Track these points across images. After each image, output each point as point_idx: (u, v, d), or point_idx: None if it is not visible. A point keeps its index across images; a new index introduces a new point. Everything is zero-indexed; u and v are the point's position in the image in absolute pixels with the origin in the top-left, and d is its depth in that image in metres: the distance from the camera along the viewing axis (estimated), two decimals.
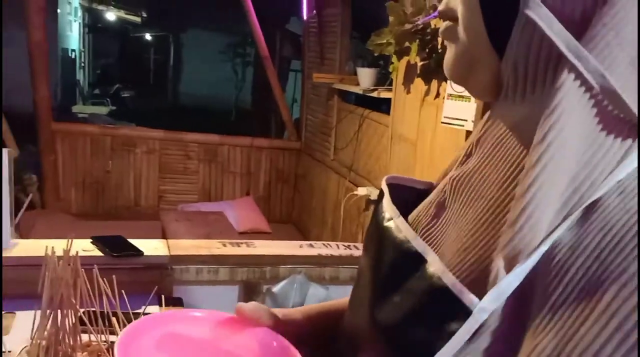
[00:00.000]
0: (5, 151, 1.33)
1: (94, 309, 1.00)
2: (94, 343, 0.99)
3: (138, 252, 1.52)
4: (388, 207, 0.56)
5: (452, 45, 0.52)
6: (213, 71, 12.63)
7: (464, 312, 0.41)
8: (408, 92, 2.79)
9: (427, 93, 2.54)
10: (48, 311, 0.92)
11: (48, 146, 4.35)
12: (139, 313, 1.14)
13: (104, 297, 1.01)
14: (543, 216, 0.40)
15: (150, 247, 1.59)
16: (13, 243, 1.41)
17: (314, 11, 4.46)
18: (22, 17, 4.09)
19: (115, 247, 1.51)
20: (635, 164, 0.40)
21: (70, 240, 1.04)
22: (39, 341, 0.93)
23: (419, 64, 2.46)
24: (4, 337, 1.18)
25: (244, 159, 5.05)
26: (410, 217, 0.59)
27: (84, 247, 1.49)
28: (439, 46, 2.24)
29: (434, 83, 2.45)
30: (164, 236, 3.75)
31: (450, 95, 2.23)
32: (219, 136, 5.04)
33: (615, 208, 0.38)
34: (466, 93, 1.84)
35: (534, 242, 0.39)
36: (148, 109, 11.59)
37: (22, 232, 3.69)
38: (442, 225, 0.53)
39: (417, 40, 2.25)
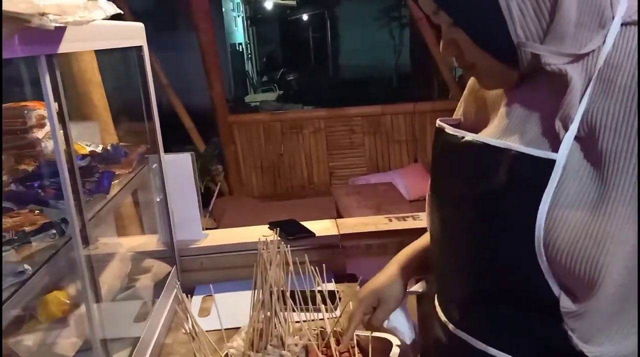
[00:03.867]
0: (189, 155, 1.48)
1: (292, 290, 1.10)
2: (305, 328, 1.07)
3: (310, 234, 1.59)
4: (455, 131, 0.79)
5: (471, 70, 0.76)
6: (370, 39, 12.64)
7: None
8: None
9: None
10: (261, 294, 1.03)
11: (227, 138, 4.77)
12: (314, 291, 1.20)
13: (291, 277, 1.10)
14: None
15: (321, 227, 1.65)
16: (204, 234, 1.57)
17: None
18: (192, 23, 4.50)
19: (290, 230, 1.60)
20: None
21: (275, 232, 1.20)
22: (254, 325, 1.03)
23: None
24: (204, 319, 1.33)
25: (408, 126, 5.00)
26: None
27: (263, 232, 1.60)
28: None
29: None
30: (337, 211, 3.90)
31: None
32: (380, 106, 5.05)
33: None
34: None
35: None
36: (312, 87, 12.05)
37: (216, 217, 4.14)
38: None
39: None
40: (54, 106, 0.74)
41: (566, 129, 0.67)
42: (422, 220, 1.68)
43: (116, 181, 1.15)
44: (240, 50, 11.87)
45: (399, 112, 5.00)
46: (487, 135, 0.74)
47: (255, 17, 14.16)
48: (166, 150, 1.44)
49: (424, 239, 1.06)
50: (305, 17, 15.00)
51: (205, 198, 4.32)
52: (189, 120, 4.67)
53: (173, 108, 4.62)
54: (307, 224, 1.67)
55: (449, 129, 0.80)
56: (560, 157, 0.66)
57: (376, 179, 4.65)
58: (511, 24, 0.68)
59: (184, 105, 4.77)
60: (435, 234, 0.87)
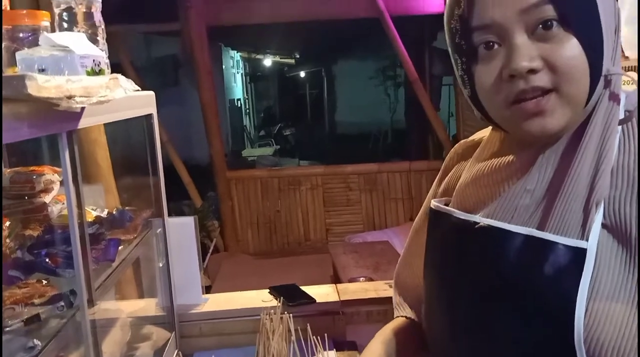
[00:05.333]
0: (192, 219, 1.48)
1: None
2: None
3: (311, 300, 1.58)
4: (466, 216, 0.71)
5: (555, 112, 0.63)
6: (366, 97, 12.92)
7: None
8: None
9: None
10: None
11: (225, 193, 4.79)
12: None
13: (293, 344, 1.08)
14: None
15: (322, 293, 1.64)
16: (204, 299, 1.56)
17: None
18: (194, 80, 4.61)
19: (291, 296, 1.59)
20: None
21: (278, 300, 1.18)
22: None
23: None
24: None
25: (404, 184, 5.04)
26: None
27: (263, 297, 1.59)
28: None
29: None
30: (334, 269, 3.88)
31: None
32: (376, 164, 5.11)
33: None
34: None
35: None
36: (309, 142, 12.21)
37: (210, 274, 4.10)
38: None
39: None
40: (72, 187, 0.75)
41: (594, 215, 0.61)
42: None
43: (121, 247, 1.15)
44: (239, 105, 12.10)
45: (395, 170, 5.06)
46: (502, 219, 0.67)
47: (254, 74, 14.52)
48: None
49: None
50: (302, 74, 15.38)
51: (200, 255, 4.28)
52: (187, 175, 4.70)
53: (171, 163, 4.66)
54: (307, 289, 1.66)
55: (459, 214, 0.72)
56: (591, 245, 0.61)
57: (373, 237, 4.64)
58: (607, 44, 0.62)
59: (183, 160, 4.81)
60: (446, 331, 0.75)
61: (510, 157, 0.70)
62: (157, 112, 1.32)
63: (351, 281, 3.35)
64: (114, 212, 1.26)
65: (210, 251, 4.34)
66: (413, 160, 5.18)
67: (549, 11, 0.60)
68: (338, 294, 1.64)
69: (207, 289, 3.87)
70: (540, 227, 0.64)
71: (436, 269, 0.76)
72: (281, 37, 8.88)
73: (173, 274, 1.42)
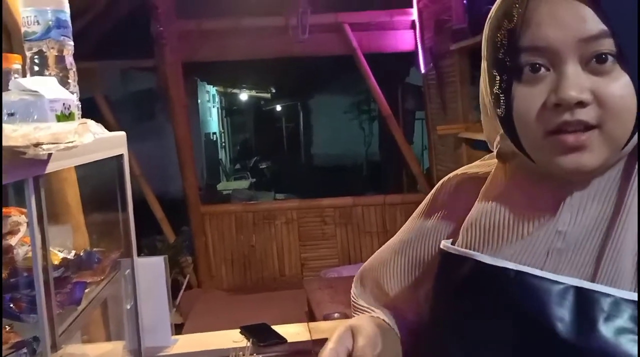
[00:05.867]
0: (162, 259, 1.47)
1: None
2: None
3: (282, 340, 1.57)
4: (494, 261, 0.63)
5: (594, 150, 0.58)
6: (341, 131, 13.07)
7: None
8: None
9: None
10: None
11: (199, 228, 4.75)
12: None
13: None
14: None
15: (293, 332, 1.63)
16: (173, 340, 1.53)
17: (431, 64, 4.46)
18: (169, 115, 4.62)
19: (262, 336, 1.58)
20: None
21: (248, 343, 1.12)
22: None
23: None
24: None
25: (379, 218, 5.07)
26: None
27: (234, 338, 1.57)
28: None
29: None
30: (309, 305, 3.85)
31: None
32: (351, 198, 5.14)
33: None
34: None
35: None
36: (285, 175, 12.23)
37: (183, 311, 4.02)
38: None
39: None
40: (37, 231, 0.75)
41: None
42: None
43: (88, 290, 1.14)
44: (215, 139, 12.10)
45: (369, 204, 5.09)
46: (534, 265, 0.61)
47: (230, 108, 14.60)
48: (136, 241, 1.43)
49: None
50: (279, 108, 15.52)
51: (172, 291, 4.19)
52: (160, 210, 4.66)
53: (144, 198, 4.62)
54: (279, 328, 1.65)
55: (486, 258, 0.63)
56: None
57: (348, 271, 4.63)
58: None
59: (156, 195, 4.77)
60: None
61: (530, 195, 0.64)
62: (132, 145, 1.33)
63: (326, 317, 3.32)
64: (81, 254, 1.24)
65: (184, 287, 4.26)
66: (387, 194, 5.23)
67: (608, 45, 0.56)
68: (309, 333, 1.63)
69: (180, 327, 3.79)
70: (588, 278, 0.58)
71: (457, 321, 0.66)
72: (257, 73, 8.99)
73: (141, 315, 1.40)
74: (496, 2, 0.63)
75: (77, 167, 1.92)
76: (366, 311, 0.81)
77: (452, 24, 3.84)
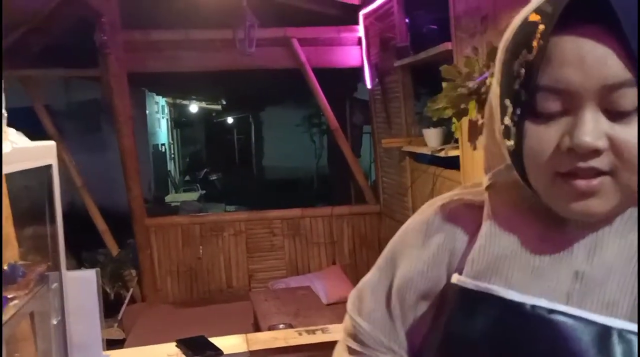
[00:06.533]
0: (93, 272, 1.45)
1: None
2: None
3: (218, 352, 1.57)
4: (523, 298, 0.59)
5: (604, 196, 0.55)
6: (292, 144, 13.13)
7: None
8: (474, 148, 2.74)
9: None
10: None
11: (144, 241, 4.65)
12: None
13: None
14: None
15: (230, 344, 1.64)
16: (105, 356, 1.51)
17: (377, 80, 4.57)
18: (114, 126, 4.52)
19: (197, 348, 1.57)
20: None
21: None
22: None
23: (480, 121, 2.43)
24: None
25: (327, 229, 5.11)
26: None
27: (169, 352, 1.56)
28: None
29: None
30: (255, 317, 3.83)
31: None
32: (300, 209, 5.17)
33: None
34: None
35: None
36: (235, 187, 12.14)
37: (125, 326, 3.92)
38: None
39: (474, 100, 2.24)
40: None
41: None
42: (330, 333, 1.71)
43: (11, 304, 1.11)
44: (163, 150, 11.90)
45: (317, 215, 5.13)
46: (559, 302, 0.58)
47: (180, 119, 14.40)
48: (77, 255, 1.41)
49: None
50: (230, 120, 15.43)
51: (115, 306, 4.11)
52: (102, 223, 4.54)
53: (87, 210, 4.50)
54: (217, 340, 1.65)
55: (511, 294, 0.59)
56: None
57: (296, 282, 4.64)
58: None
59: (100, 207, 4.66)
60: None
61: (539, 227, 0.62)
62: (76, 156, 1.31)
63: (271, 328, 3.32)
64: (5, 268, 1.21)
65: (126, 301, 4.17)
66: (335, 206, 5.29)
67: (632, 95, 0.53)
68: (247, 344, 1.64)
69: (121, 343, 3.69)
70: (625, 318, 0.56)
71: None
72: (207, 84, 8.92)
73: (71, 331, 1.37)
74: (513, 24, 0.59)
75: (8, 178, 1.86)
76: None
77: (395, 42, 3.96)
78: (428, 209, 0.73)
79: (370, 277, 0.75)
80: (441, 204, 0.71)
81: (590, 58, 0.53)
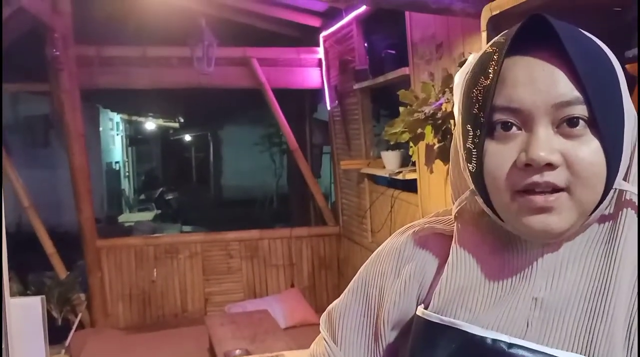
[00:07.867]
0: (38, 299, 1.37)
1: None
2: None
3: None
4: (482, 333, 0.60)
5: (562, 213, 0.58)
6: (251, 163, 13.03)
7: None
8: (431, 171, 2.78)
9: (448, 172, 2.52)
10: None
11: (94, 264, 4.48)
12: None
13: None
14: None
15: None
16: None
17: (337, 101, 4.60)
18: (64, 142, 4.37)
19: None
20: None
21: None
22: None
23: (436, 145, 2.46)
24: None
25: (285, 251, 5.06)
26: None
27: None
28: (452, 128, 2.25)
29: None
30: (210, 343, 3.72)
31: None
32: (258, 231, 5.10)
33: None
34: None
35: None
36: (192, 207, 11.91)
37: (73, 353, 3.74)
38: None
39: (430, 125, 2.27)
40: None
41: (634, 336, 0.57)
42: None
43: None
44: (117, 168, 11.59)
45: (276, 237, 5.07)
46: (516, 335, 0.59)
47: (135, 136, 14.10)
48: (23, 278, 1.33)
49: None
50: (187, 138, 15.22)
51: (62, 331, 3.92)
52: (50, 245, 4.35)
53: (34, 231, 4.30)
54: None
55: (476, 329, 0.60)
56: None
57: (253, 306, 4.55)
58: (625, 158, 0.59)
59: (48, 228, 4.46)
60: None
61: (502, 257, 0.63)
62: (22, 174, 1.23)
63: (227, 354, 3.23)
64: None
65: (75, 327, 3.98)
66: (294, 227, 5.24)
67: (581, 111, 0.56)
68: None
69: None
70: (581, 352, 0.56)
71: None
72: (165, 101, 8.79)
73: None
74: (474, 57, 0.63)
75: None
76: None
77: (355, 64, 4.00)
78: (401, 236, 0.74)
79: (343, 300, 0.76)
80: (413, 232, 0.73)
81: (541, 78, 0.56)
